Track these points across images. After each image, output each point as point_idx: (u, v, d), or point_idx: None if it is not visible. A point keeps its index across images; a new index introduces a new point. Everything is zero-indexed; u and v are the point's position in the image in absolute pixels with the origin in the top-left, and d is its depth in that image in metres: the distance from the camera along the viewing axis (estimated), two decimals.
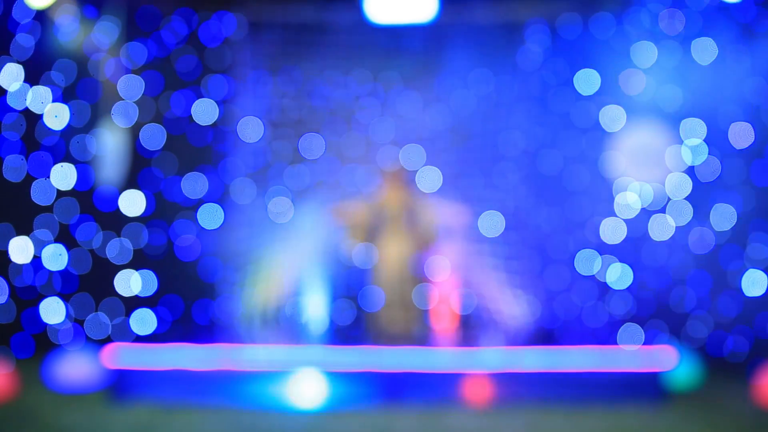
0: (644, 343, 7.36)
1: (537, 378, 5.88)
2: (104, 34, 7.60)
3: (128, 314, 7.67)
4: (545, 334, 7.47)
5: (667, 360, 5.88)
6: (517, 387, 5.86)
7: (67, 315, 7.62)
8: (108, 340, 7.40)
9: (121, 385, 5.96)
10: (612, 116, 7.68)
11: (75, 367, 6.53)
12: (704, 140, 7.58)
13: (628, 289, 7.74)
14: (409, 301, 7.18)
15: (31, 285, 7.55)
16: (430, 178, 7.92)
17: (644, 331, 7.56)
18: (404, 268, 7.17)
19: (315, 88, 7.92)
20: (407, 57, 7.97)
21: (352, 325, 7.73)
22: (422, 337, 7.12)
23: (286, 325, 7.67)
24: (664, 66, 7.59)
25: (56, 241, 7.59)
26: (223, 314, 7.74)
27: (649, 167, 7.26)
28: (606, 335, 7.54)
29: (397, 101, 7.98)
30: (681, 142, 7.44)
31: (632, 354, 6.07)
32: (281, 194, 7.85)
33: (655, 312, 7.65)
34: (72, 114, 7.50)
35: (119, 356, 5.95)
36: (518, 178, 7.82)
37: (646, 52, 7.62)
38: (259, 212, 7.80)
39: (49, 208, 7.50)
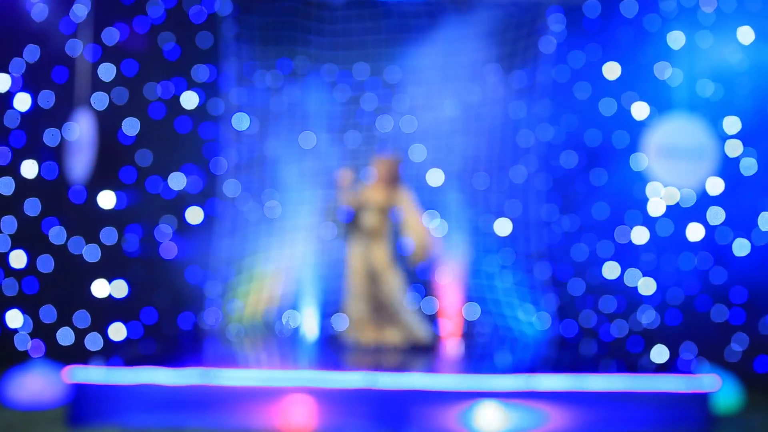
0: (676, 358, 6.80)
1: (562, 399, 5.09)
2: (78, 13, 6.91)
3: (100, 321, 6.97)
4: (564, 345, 6.82)
5: (706, 380, 5.14)
6: (539, 409, 5.07)
7: (29, 321, 6.91)
8: (74, 350, 6.76)
9: (84, 402, 5.20)
10: (641, 110, 7.13)
11: (33, 381, 5.85)
12: (742, 136, 6.96)
13: (659, 298, 7.09)
14: (388, 310, 6.40)
15: None
16: (435, 177, 7.34)
17: (676, 346, 6.94)
18: (382, 273, 6.40)
19: (310, 75, 7.35)
20: (412, 40, 7.28)
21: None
22: (421, 347, 6.37)
23: (278, 335, 7.10)
24: (700, 54, 6.94)
25: (22, 239, 6.96)
26: (207, 324, 7.17)
27: (681, 166, 6.53)
28: (633, 348, 6.98)
29: (400, 89, 7.38)
30: (718, 138, 6.75)
31: (666, 371, 5.41)
32: (273, 190, 7.30)
33: (688, 325, 7.02)
34: (43, 100, 6.94)
35: (83, 369, 5.19)
36: (536, 176, 7.25)
37: (679, 38, 6.97)
38: (248, 210, 7.25)
39: (16, 204, 6.96)
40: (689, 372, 5.35)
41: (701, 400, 5.18)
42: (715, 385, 5.21)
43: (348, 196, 6.50)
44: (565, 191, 7.27)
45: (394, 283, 6.43)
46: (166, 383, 5.16)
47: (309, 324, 7.23)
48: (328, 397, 5.11)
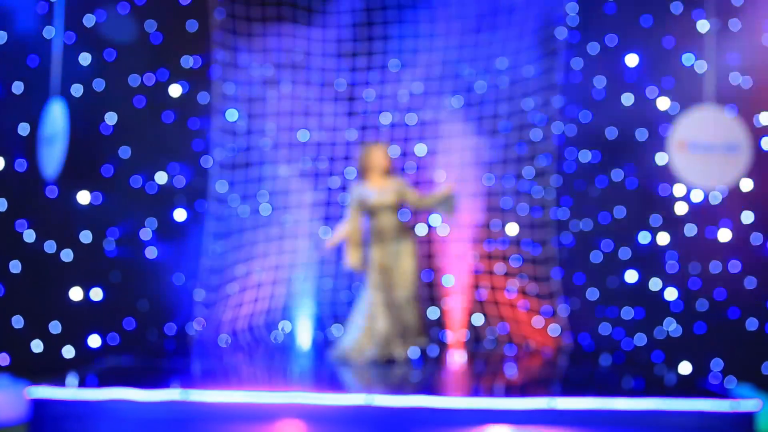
0: (703, 372, 6.41)
1: (584, 421, 4.53)
2: None
3: (73, 329, 6.54)
4: (580, 357, 6.36)
5: (747, 400, 4.64)
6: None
7: None
8: (44, 362, 6.32)
9: (48, 420, 4.64)
10: (664, 102, 6.71)
11: None
12: None
13: (683, 306, 6.69)
14: (408, 319, 5.82)
15: None
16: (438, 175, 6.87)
17: (702, 358, 6.56)
18: (402, 279, 5.79)
19: (306, 65, 6.91)
20: (415, 30, 6.85)
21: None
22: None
23: (270, 344, 6.65)
24: (731, 40, 6.52)
25: None
26: (193, 332, 6.69)
27: (709, 163, 6.14)
28: (655, 361, 6.57)
29: (401, 82, 6.93)
30: (750, 132, 6.31)
31: (695, 388, 4.92)
32: (266, 189, 6.85)
33: (716, 336, 6.62)
34: (12, 89, 6.60)
35: (48, 384, 4.67)
36: (548, 174, 6.78)
37: (707, 23, 6.52)
38: (239, 210, 6.81)
39: None
40: (723, 389, 4.84)
41: (741, 422, 4.61)
42: (756, 406, 4.66)
43: (358, 198, 5.85)
44: (579, 191, 6.88)
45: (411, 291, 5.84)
46: (141, 400, 4.59)
47: (303, 333, 6.81)
48: (322, 418, 4.55)
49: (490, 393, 4.92)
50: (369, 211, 5.81)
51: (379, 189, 5.82)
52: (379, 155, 5.86)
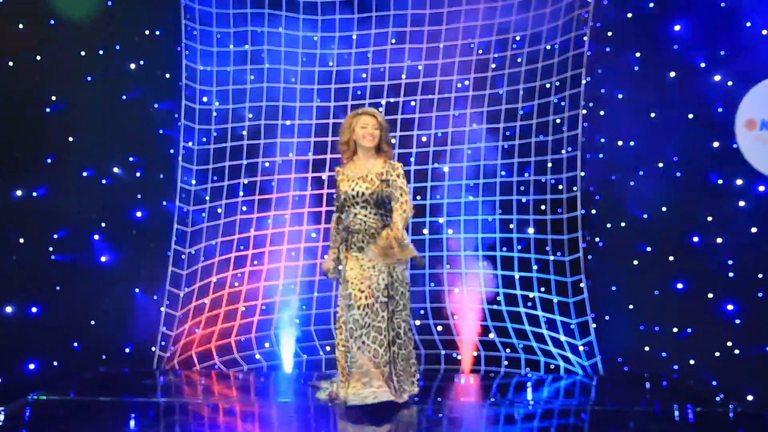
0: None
1: None
2: None
3: (2, 351, 5.59)
4: (617, 379, 5.68)
5: None
6: None
7: None
8: None
9: None
10: (719, 76, 5.88)
11: None
12: None
13: (743, 320, 5.75)
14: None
15: None
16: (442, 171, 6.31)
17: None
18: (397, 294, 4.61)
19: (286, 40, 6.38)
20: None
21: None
22: None
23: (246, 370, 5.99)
24: None
25: None
26: (155, 356, 6.00)
27: None
28: (709, 387, 5.71)
29: (400, 59, 6.38)
30: None
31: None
32: (243, 182, 6.32)
33: None
34: None
35: None
36: (578, 165, 6.13)
37: None
38: (210, 209, 6.28)
39: None
40: None
41: None
42: None
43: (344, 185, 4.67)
44: (613, 183, 6.16)
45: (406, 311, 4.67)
46: None
47: (286, 354, 6.11)
48: None
49: None
50: (343, 204, 4.64)
51: (360, 173, 4.62)
52: (367, 124, 4.57)
